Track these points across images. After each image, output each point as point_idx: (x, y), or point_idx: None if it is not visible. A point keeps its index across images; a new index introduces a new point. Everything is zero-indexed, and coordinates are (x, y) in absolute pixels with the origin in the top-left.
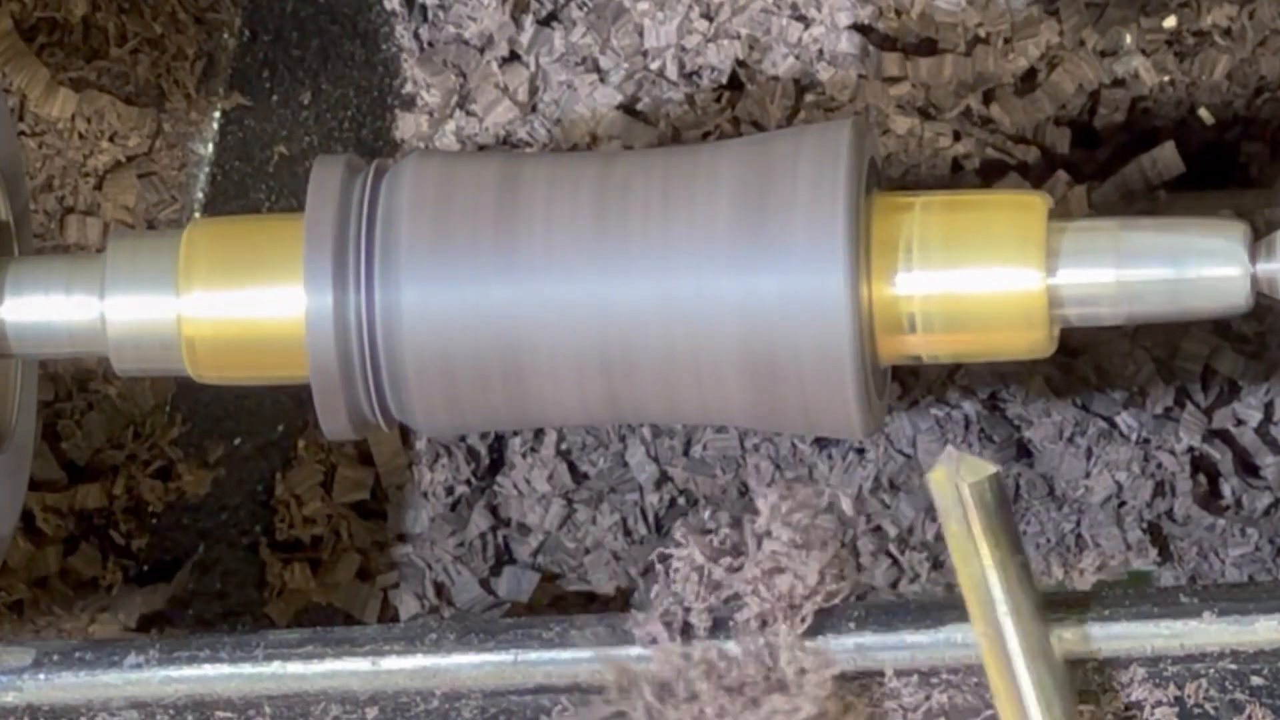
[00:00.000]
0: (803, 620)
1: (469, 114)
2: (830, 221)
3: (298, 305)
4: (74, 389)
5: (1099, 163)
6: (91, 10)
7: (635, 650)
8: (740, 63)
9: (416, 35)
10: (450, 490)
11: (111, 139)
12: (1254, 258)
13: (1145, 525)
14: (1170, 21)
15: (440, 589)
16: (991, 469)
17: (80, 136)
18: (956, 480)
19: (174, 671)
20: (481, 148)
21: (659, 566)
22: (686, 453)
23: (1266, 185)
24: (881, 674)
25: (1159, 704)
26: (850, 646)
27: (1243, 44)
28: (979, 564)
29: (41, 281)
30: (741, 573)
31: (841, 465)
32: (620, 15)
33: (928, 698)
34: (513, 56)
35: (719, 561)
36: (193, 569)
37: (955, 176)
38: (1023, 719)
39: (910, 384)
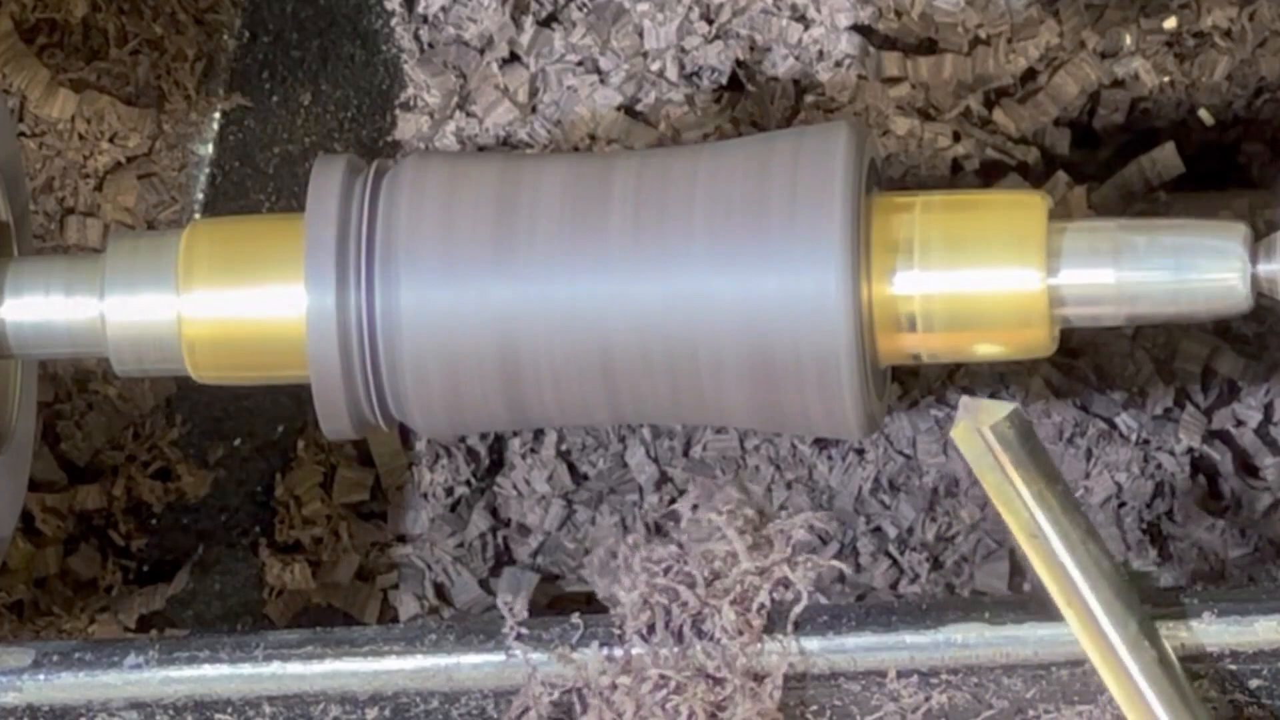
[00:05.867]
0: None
1: (469, 115)
2: (829, 222)
3: (298, 305)
4: (74, 389)
5: (1099, 163)
6: (91, 11)
7: (634, 650)
8: (740, 63)
9: (416, 36)
10: (450, 491)
11: (111, 140)
12: (1254, 259)
13: (1145, 526)
14: (1170, 22)
15: (440, 589)
16: (1009, 406)
17: (80, 137)
18: (978, 427)
19: (174, 671)
20: (481, 148)
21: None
22: (686, 453)
23: (1266, 186)
24: (882, 674)
25: None
26: (850, 647)
27: (1243, 45)
28: (1021, 504)
29: (41, 282)
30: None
31: (841, 466)
32: (620, 16)
33: (928, 698)
34: (513, 57)
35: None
36: (193, 569)
37: (955, 177)
38: (1103, 645)
39: (910, 384)
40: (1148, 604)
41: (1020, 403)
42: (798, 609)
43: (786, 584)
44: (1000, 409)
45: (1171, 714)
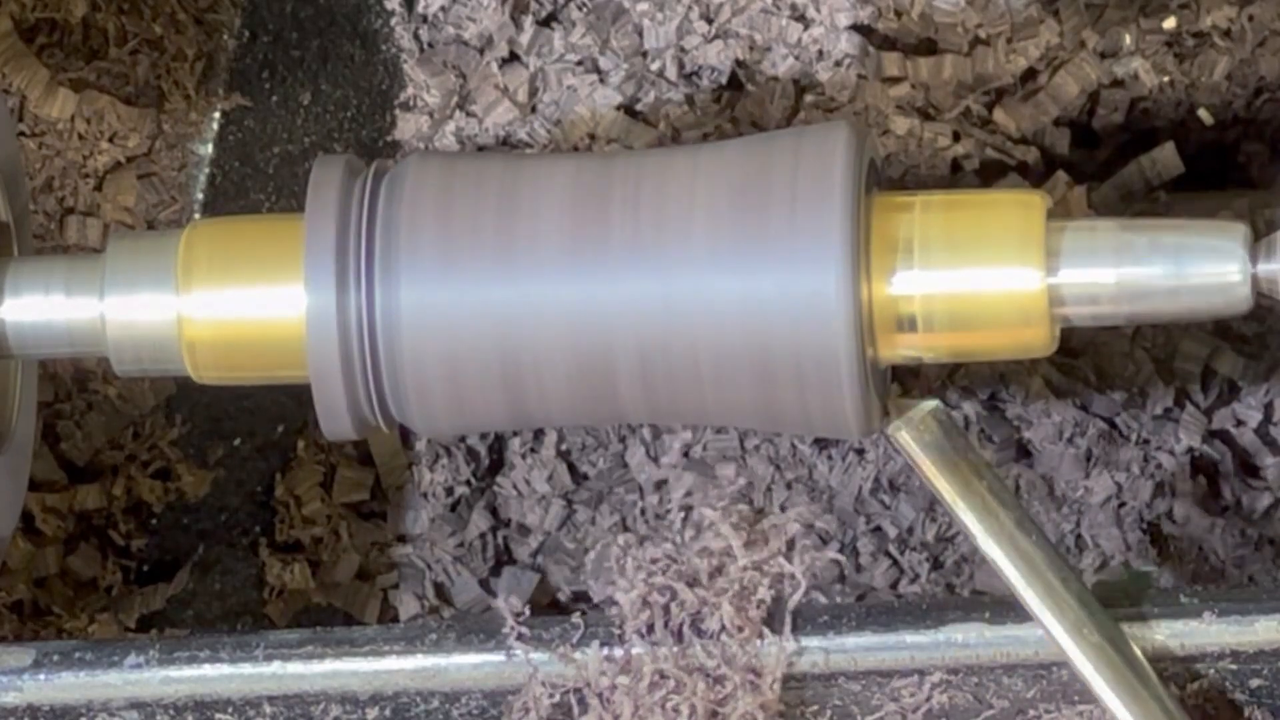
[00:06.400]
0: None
1: (469, 115)
2: (828, 221)
3: (298, 306)
4: (74, 389)
5: (1099, 163)
6: (91, 11)
7: (635, 649)
8: (740, 63)
9: (416, 36)
10: (450, 491)
11: (111, 139)
12: (1254, 258)
13: (1145, 525)
14: (1170, 22)
15: (440, 589)
16: (927, 406)
17: (80, 137)
18: (893, 433)
19: (174, 671)
20: (481, 148)
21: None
22: (687, 453)
23: (1266, 186)
24: (882, 674)
25: None
26: (850, 647)
27: (1242, 45)
28: (951, 504)
29: (41, 282)
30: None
31: (841, 466)
32: (620, 16)
33: (928, 698)
34: (512, 57)
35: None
36: (193, 569)
37: (955, 177)
38: (1046, 631)
39: (910, 384)
40: (1147, 604)
41: (1020, 402)
42: (796, 596)
43: (784, 578)
44: (919, 409)
45: (1117, 689)
